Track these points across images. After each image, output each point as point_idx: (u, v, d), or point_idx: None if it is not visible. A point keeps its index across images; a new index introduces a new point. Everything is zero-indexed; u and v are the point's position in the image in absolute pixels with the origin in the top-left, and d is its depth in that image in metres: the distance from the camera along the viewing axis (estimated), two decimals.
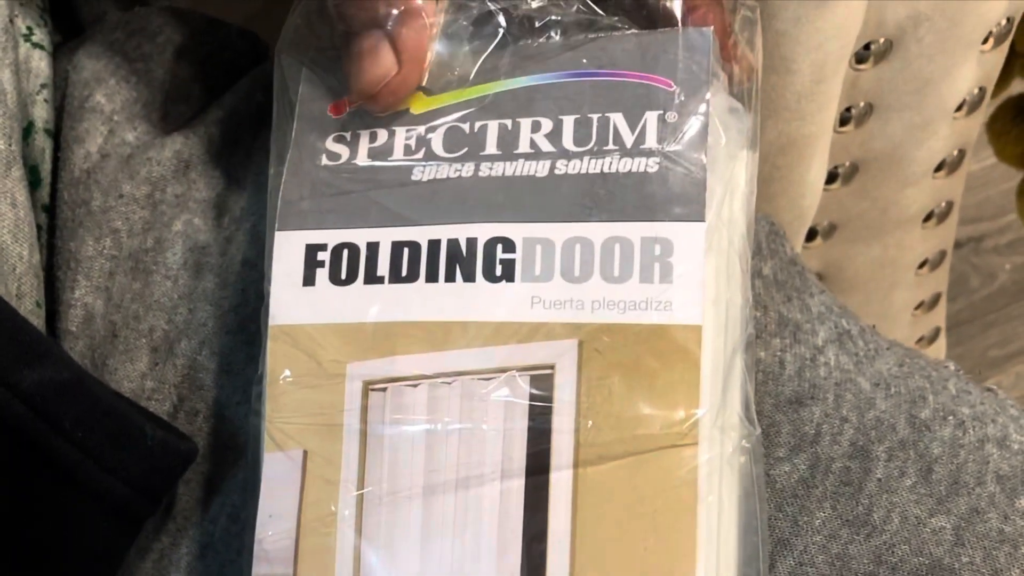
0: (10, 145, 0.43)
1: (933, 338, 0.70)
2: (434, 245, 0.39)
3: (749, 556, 0.38)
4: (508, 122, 0.40)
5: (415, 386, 0.38)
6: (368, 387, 0.39)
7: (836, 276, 0.61)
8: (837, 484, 0.41)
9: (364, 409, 0.38)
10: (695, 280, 0.37)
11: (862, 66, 0.52)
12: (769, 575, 0.39)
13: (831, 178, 0.56)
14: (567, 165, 0.39)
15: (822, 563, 0.39)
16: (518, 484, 0.37)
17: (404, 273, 0.39)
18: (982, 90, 0.57)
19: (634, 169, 0.38)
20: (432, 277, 0.39)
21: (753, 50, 0.41)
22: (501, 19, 0.40)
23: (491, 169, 0.39)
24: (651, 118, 0.39)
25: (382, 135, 0.40)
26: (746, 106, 0.41)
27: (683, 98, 0.39)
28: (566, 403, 0.37)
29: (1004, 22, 0.54)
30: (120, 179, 0.45)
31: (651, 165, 0.38)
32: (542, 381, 0.38)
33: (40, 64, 0.46)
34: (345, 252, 0.39)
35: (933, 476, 0.41)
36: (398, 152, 0.40)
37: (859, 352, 0.43)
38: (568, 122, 0.39)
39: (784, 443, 0.41)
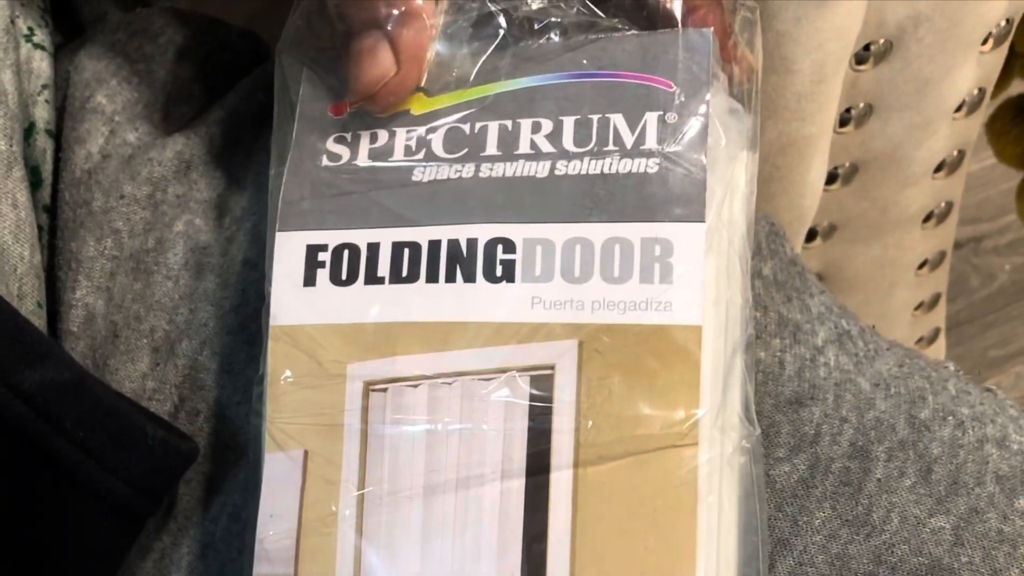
0: (11, 146, 0.43)
1: (933, 338, 0.70)
2: (434, 246, 0.39)
3: (749, 556, 0.38)
4: (508, 123, 0.40)
5: (416, 386, 0.38)
6: (369, 387, 0.39)
7: (836, 276, 0.61)
8: (837, 484, 0.41)
9: (365, 409, 0.39)
10: (695, 281, 0.37)
11: (862, 67, 0.52)
12: (769, 575, 0.39)
13: (831, 178, 0.56)
14: (567, 166, 0.39)
15: (822, 563, 0.39)
16: (518, 484, 0.37)
17: (404, 273, 0.39)
18: (982, 91, 0.57)
19: (634, 170, 0.38)
20: (432, 278, 0.39)
21: (753, 51, 0.41)
22: (501, 20, 0.40)
23: (491, 170, 0.39)
24: (651, 119, 0.39)
25: (383, 136, 0.40)
26: (746, 107, 0.41)
27: (683, 99, 0.39)
28: (566, 403, 0.37)
29: (1004, 23, 0.54)
30: (121, 180, 0.45)
31: (651, 166, 0.38)
32: (542, 381, 0.38)
33: (41, 65, 0.46)
34: (346, 252, 0.40)
35: (933, 476, 0.41)
36: (399, 153, 0.40)
37: (859, 352, 0.43)
38: (568, 123, 0.39)
39: (784, 443, 0.41)
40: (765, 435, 0.41)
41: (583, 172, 0.39)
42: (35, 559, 0.39)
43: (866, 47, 0.51)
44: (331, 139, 0.41)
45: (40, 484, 0.38)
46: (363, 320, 0.39)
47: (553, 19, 0.40)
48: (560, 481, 0.37)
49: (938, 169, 0.58)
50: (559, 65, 0.40)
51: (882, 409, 0.42)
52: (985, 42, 0.54)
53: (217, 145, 0.47)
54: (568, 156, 0.39)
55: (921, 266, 0.63)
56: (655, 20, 0.40)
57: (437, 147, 0.40)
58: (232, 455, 0.43)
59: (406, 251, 0.39)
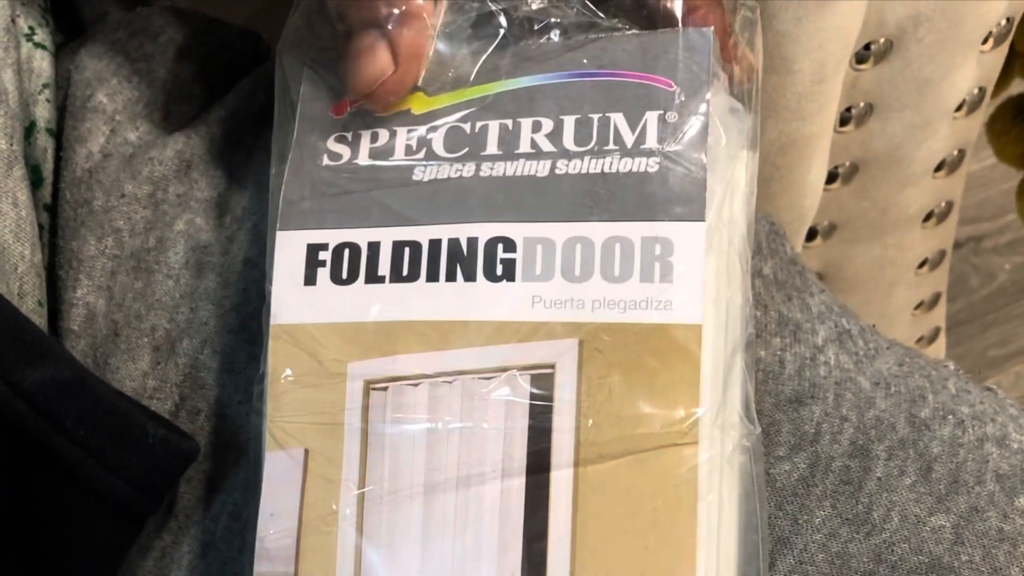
0: (11, 145, 0.43)
1: (933, 338, 0.70)
2: (435, 245, 0.39)
3: (749, 555, 0.38)
4: (509, 122, 0.40)
5: (416, 385, 0.38)
6: (369, 386, 0.39)
7: (836, 276, 0.61)
8: (837, 483, 0.41)
9: (365, 408, 0.39)
10: (695, 280, 0.37)
11: (862, 66, 0.52)
12: (769, 573, 0.39)
13: (831, 178, 0.56)
14: (568, 165, 0.39)
15: (822, 561, 0.39)
16: (519, 483, 0.37)
17: (405, 273, 0.39)
18: (982, 90, 0.57)
19: (634, 169, 0.38)
20: (433, 277, 0.39)
21: (753, 50, 0.41)
22: (502, 20, 0.40)
23: (492, 169, 0.39)
24: (651, 118, 0.39)
25: (383, 135, 0.41)
26: (746, 106, 0.41)
27: (683, 98, 0.39)
28: (566, 402, 0.37)
29: (1004, 22, 0.54)
30: (122, 179, 0.45)
31: (651, 165, 0.38)
32: (543, 380, 0.38)
33: (42, 64, 0.46)
34: (346, 252, 0.40)
35: (933, 475, 0.41)
36: (399, 152, 0.40)
37: (859, 351, 0.43)
38: (569, 122, 0.39)
39: (784, 442, 0.41)
40: (765, 434, 0.41)
41: (583, 171, 0.39)
42: (35, 558, 0.39)
43: (866, 47, 0.51)
44: (332, 138, 0.41)
45: (40, 483, 0.38)
46: (364, 319, 0.39)
47: (553, 19, 0.40)
48: (560, 480, 0.37)
49: (938, 168, 0.58)
50: (559, 64, 0.40)
51: (882, 408, 0.42)
52: (985, 41, 0.54)
53: (218, 144, 0.47)
54: (568, 155, 0.39)
55: (921, 265, 0.63)
56: (655, 20, 0.40)
57: (438, 146, 0.40)
58: (233, 454, 0.43)
59: (407, 250, 0.39)
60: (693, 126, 0.38)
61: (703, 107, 0.38)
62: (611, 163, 0.39)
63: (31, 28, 0.47)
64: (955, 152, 0.58)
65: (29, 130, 0.45)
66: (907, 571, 0.39)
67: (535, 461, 0.37)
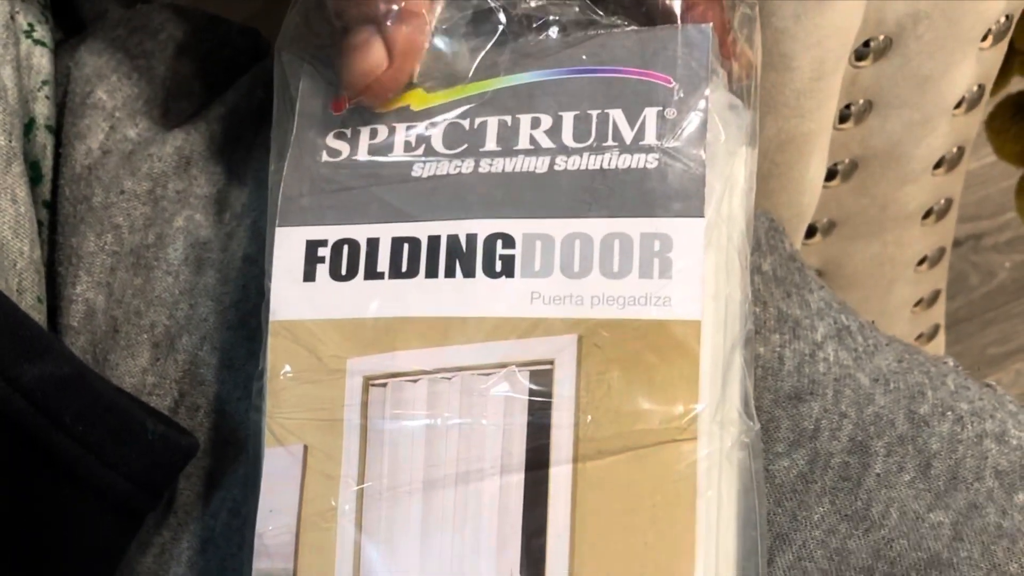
0: (10, 141, 0.43)
1: (932, 335, 0.70)
2: (434, 241, 0.39)
3: (748, 551, 0.38)
4: (508, 118, 0.40)
5: (415, 381, 0.38)
6: (368, 382, 0.39)
7: (835, 273, 0.61)
8: (836, 479, 0.41)
9: (364, 404, 0.39)
10: (694, 276, 0.37)
11: (861, 63, 0.52)
12: (768, 569, 0.39)
13: (830, 175, 0.56)
14: (567, 161, 0.39)
15: (821, 558, 0.40)
16: (518, 479, 0.37)
17: (404, 269, 0.39)
18: (981, 87, 0.57)
19: (633, 165, 0.38)
20: (432, 273, 0.39)
21: (752, 47, 0.41)
22: (501, 16, 0.40)
23: (491, 165, 0.39)
24: (650, 114, 0.39)
25: (382, 131, 0.41)
26: (745, 103, 0.41)
27: (682, 94, 0.39)
28: (565, 398, 0.37)
29: (1003, 19, 0.54)
30: (121, 175, 0.45)
31: (650, 161, 0.38)
32: (541, 376, 0.38)
33: (41, 60, 0.46)
34: (345, 248, 0.40)
35: (932, 471, 0.41)
36: (398, 148, 0.40)
37: (858, 348, 0.43)
38: (568, 118, 0.39)
39: (783, 438, 0.41)
40: (764, 430, 0.41)
41: (582, 167, 0.39)
42: (34, 554, 0.39)
43: (866, 44, 0.51)
44: (331, 135, 0.41)
45: (39, 479, 0.38)
46: (363, 315, 0.39)
47: (552, 15, 0.40)
48: (559, 476, 0.37)
49: (937, 166, 0.58)
50: (558, 61, 0.40)
51: (881, 404, 0.42)
52: (984, 39, 0.54)
53: (217, 141, 0.47)
54: (567, 151, 0.39)
55: (920, 262, 0.63)
56: (654, 16, 0.40)
57: (437, 143, 0.40)
58: (232, 450, 0.43)
59: (405, 246, 0.39)
60: (692, 122, 0.38)
61: (702, 103, 0.38)
62: (610, 159, 0.39)
63: (30, 25, 0.47)
64: (954, 149, 0.58)
65: (28, 127, 0.45)
66: (906, 567, 0.39)
67: (534, 457, 0.37)
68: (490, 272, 0.38)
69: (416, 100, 0.41)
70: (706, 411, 0.37)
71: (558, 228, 0.38)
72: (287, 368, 0.39)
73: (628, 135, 0.39)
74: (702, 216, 0.38)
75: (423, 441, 0.38)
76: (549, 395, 0.37)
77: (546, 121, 0.39)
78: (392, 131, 0.40)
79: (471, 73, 0.40)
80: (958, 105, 0.56)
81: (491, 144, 0.40)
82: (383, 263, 0.39)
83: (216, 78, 0.49)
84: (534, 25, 0.40)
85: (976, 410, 0.42)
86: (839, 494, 0.40)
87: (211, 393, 0.43)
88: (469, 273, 0.38)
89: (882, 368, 0.43)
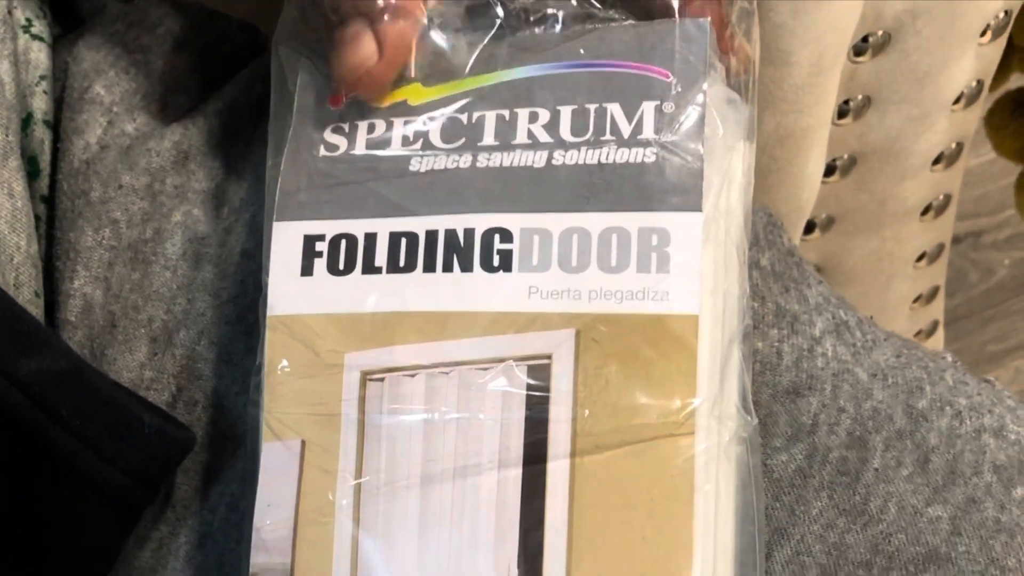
0: (7, 136, 0.43)
1: (931, 331, 0.70)
2: (432, 235, 0.39)
3: (746, 545, 0.38)
4: (506, 112, 0.40)
5: (413, 376, 0.38)
6: (366, 377, 0.39)
7: (834, 269, 0.61)
8: (834, 474, 0.41)
9: (362, 399, 0.39)
10: (692, 270, 0.37)
11: (860, 59, 0.52)
12: (766, 564, 0.39)
13: (829, 171, 0.56)
14: (564, 155, 0.39)
15: (819, 552, 0.40)
16: (515, 473, 0.37)
17: (402, 263, 0.39)
18: (980, 83, 0.57)
19: (631, 159, 0.38)
20: (430, 267, 0.39)
21: (750, 41, 0.41)
22: (498, 10, 0.40)
23: (489, 159, 0.39)
24: (648, 108, 0.39)
25: (380, 126, 0.40)
26: (743, 97, 0.41)
27: (680, 89, 0.39)
28: (563, 392, 0.37)
29: (1002, 15, 0.54)
30: (119, 170, 0.45)
31: (648, 155, 0.38)
32: (539, 371, 0.38)
33: (39, 55, 0.46)
34: (343, 242, 0.40)
35: (930, 466, 0.41)
36: (396, 143, 0.40)
37: (856, 343, 0.43)
38: (566, 112, 0.39)
39: (781, 433, 0.41)
40: (763, 425, 0.41)
41: (580, 162, 0.39)
42: (31, 549, 0.39)
43: (864, 39, 0.51)
44: (329, 129, 0.41)
45: (36, 473, 0.38)
46: (360, 310, 0.39)
47: (550, 9, 0.40)
48: (557, 470, 0.37)
49: (936, 161, 0.58)
50: (556, 55, 0.40)
51: (880, 399, 0.42)
52: (983, 34, 0.54)
53: (215, 136, 0.47)
54: (565, 146, 0.39)
55: (919, 259, 0.63)
56: (652, 10, 0.40)
57: (434, 137, 0.40)
58: (230, 445, 0.43)
59: (403, 241, 0.39)
60: (690, 116, 0.38)
61: (700, 97, 0.38)
62: (608, 154, 0.38)
63: (28, 20, 0.47)
64: (953, 145, 0.58)
65: (26, 122, 0.45)
66: (904, 562, 0.39)
67: (532, 451, 0.37)
68: (488, 267, 0.38)
69: (414, 94, 0.41)
70: (704, 405, 0.37)
71: (556, 222, 0.38)
72: (284, 363, 0.39)
73: (626, 129, 0.39)
74: (700, 210, 0.37)
75: (421, 436, 0.38)
76: (547, 390, 0.37)
77: (544, 115, 0.39)
78: (390, 125, 0.40)
79: (469, 67, 0.40)
80: (957, 101, 0.56)
81: (489, 138, 0.40)
82: (381, 257, 0.39)
83: (214, 73, 0.49)
84: (532, 19, 0.40)
85: (974, 405, 0.42)
86: (837, 489, 0.40)
87: (209, 388, 0.43)
88: (467, 267, 0.38)
89: (880, 363, 0.43)
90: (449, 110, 0.40)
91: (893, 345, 0.44)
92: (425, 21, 0.39)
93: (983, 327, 1.15)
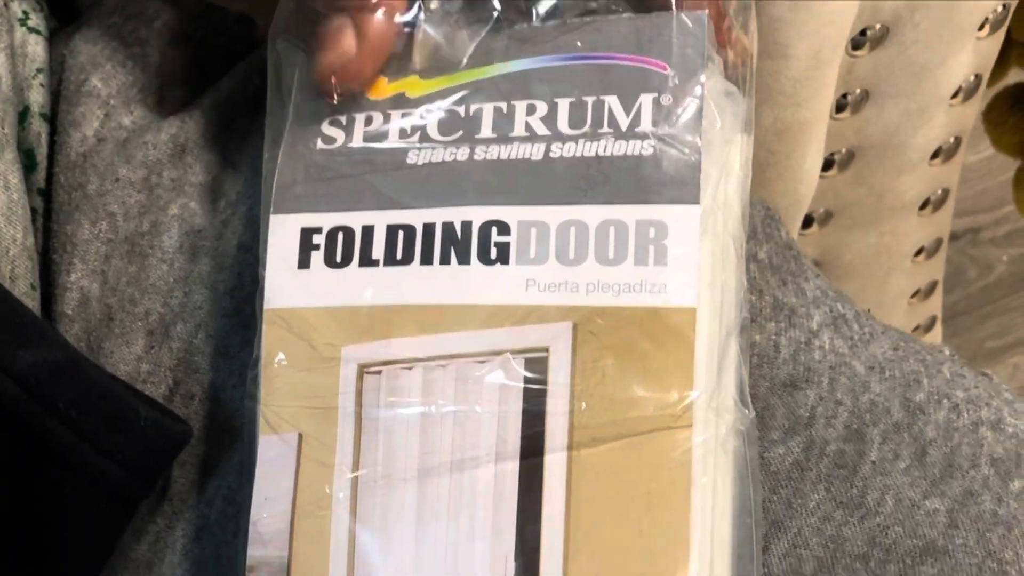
0: (3, 129, 0.43)
1: (929, 326, 0.70)
2: (429, 228, 0.39)
3: (743, 538, 0.38)
4: (503, 105, 0.40)
5: (410, 369, 0.38)
6: (363, 370, 0.39)
7: (832, 263, 0.61)
8: (831, 467, 0.41)
9: (359, 392, 0.39)
10: (690, 263, 0.37)
11: (858, 52, 0.52)
12: (763, 557, 0.39)
13: (827, 165, 0.56)
14: (562, 148, 0.39)
15: (816, 545, 0.40)
16: (512, 467, 0.37)
17: (399, 256, 0.39)
18: (978, 77, 0.57)
19: (629, 152, 0.38)
20: (427, 260, 0.39)
21: (747, 34, 0.41)
22: (495, 3, 0.40)
23: (486, 152, 0.39)
24: (646, 101, 0.39)
25: (377, 119, 0.40)
26: (741, 90, 0.41)
27: (678, 81, 0.38)
28: (560, 385, 0.37)
29: (1000, 8, 0.54)
30: (116, 163, 0.45)
31: (646, 148, 0.38)
32: (536, 364, 0.38)
33: (36, 49, 0.46)
34: (340, 235, 0.39)
35: (927, 459, 0.41)
36: (393, 136, 0.40)
37: (854, 336, 0.43)
38: (563, 105, 0.39)
39: (778, 426, 0.41)
40: (760, 418, 0.41)
41: (578, 154, 0.39)
42: (28, 541, 0.39)
43: (862, 32, 0.51)
44: (326, 122, 0.41)
45: (33, 466, 0.38)
46: (357, 303, 0.39)
47: (547, 1, 0.40)
48: (554, 463, 0.37)
49: (934, 156, 0.58)
50: (554, 47, 0.40)
51: (877, 392, 0.42)
52: (981, 28, 0.54)
53: (212, 129, 0.47)
54: (563, 138, 0.39)
55: (917, 253, 0.63)
56: (649, 3, 0.40)
57: (432, 130, 0.40)
58: (227, 438, 0.43)
59: (401, 234, 0.39)
60: (688, 109, 0.38)
61: (698, 90, 0.38)
62: (605, 146, 0.38)
63: (25, 13, 0.47)
64: (951, 139, 0.58)
65: (23, 115, 0.45)
66: (901, 554, 0.39)
67: (529, 445, 0.37)
68: (485, 259, 0.38)
69: (412, 87, 0.40)
70: (701, 398, 0.37)
71: (553, 215, 0.38)
72: (281, 356, 0.39)
73: (624, 122, 0.39)
74: (698, 203, 0.37)
75: (418, 429, 0.38)
76: (544, 383, 0.37)
77: (541, 108, 0.39)
78: (387, 118, 0.40)
79: (467, 60, 0.40)
80: (955, 95, 0.56)
81: (486, 131, 0.39)
82: (378, 250, 0.39)
83: (211, 66, 0.49)
84: (529, 11, 0.40)
85: (972, 398, 0.42)
86: (834, 482, 0.40)
87: (206, 381, 0.43)
88: (464, 260, 0.38)
89: (878, 356, 0.43)
90: (446, 103, 0.40)
91: (890, 338, 0.44)
92: (411, 15, 0.39)
93: (981, 323, 1.15)
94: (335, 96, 0.40)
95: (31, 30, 0.46)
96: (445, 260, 0.39)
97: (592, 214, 0.38)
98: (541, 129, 0.39)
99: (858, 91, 0.54)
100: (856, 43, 0.52)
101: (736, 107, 0.40)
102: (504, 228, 0.38)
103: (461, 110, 0.40)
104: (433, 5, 0.40)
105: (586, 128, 0.39)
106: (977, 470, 0.41)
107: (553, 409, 0.37)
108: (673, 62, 0.39)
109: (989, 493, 0.40)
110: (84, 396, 0.38)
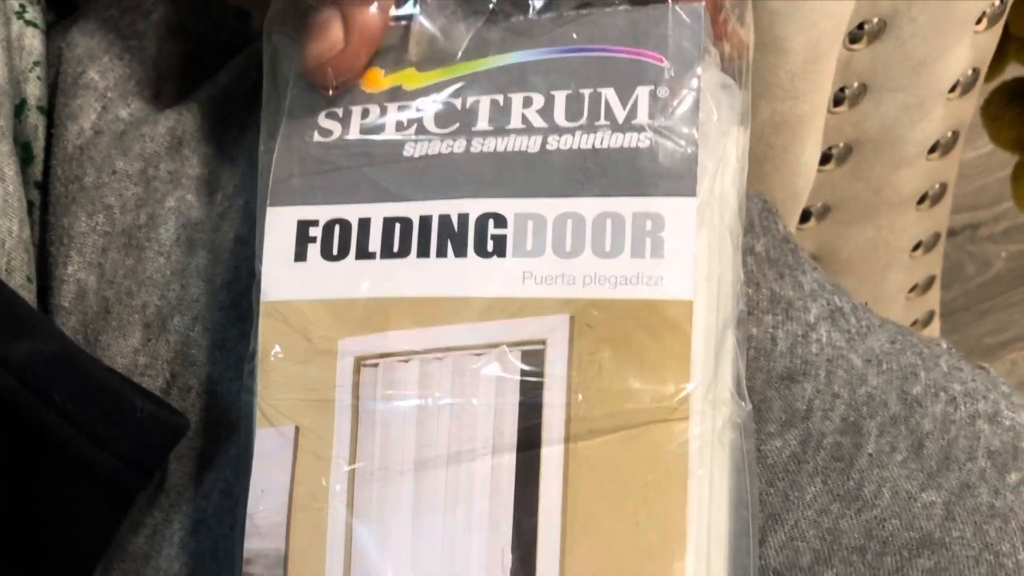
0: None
1: (927, 322, 0.70)
2: (425, 221, 0.39)
3: (740, 530, 0.38)
4: (500, 97, 0.40)
5: (407, 362, 0.38)
6: (360, 363, 0.39)
7: (830, 258, 0.61)
8: (828, 459, 0.41)
9: (356, 385, 0.39)
10: (686, 255, 0.37)
11: (856, 46, 0.52)
12: (760, 549, 0.39)
13: (825, 159, 0.56)
14: (559, 140, 0.39)
15: (813, 537, 0.39)
16: (509, 459, 0.37)
17: (396, 249, 0.39)
18: (976, 71, 0.57)
19: (625, 144, 0.38)
20: (423, 253, 0.39)
21: (744, 26, 0.41)
22: None
23: (483, 144, 0.39)
24: (642, 93, 0.39)
25: (374, 111, 0.40)
26: (737, 82, 0.41)
27: (674, 73, 0.38)
28: (557, 378, 0.37)
29: (998, 2, 0.54)
30: (113, 155, 0.45)
31: (642, 140, 0.38)
32: (533, 356, 0.38)
33: (33, 42, 0.46)
34: (337, 228, 0.39)
35: (924, 451, 0.41)
36: (390, 128, 0.40)
37: (851, 329, 0.43)
38: (560, 97, 0.39)
39: (775, 419, 0.41)
40: (757, 410, 0.41)
41: (574, 147, 0.39)
42: (25, 534, 0.39)
43: (860, 26, 0.51)
44: (322, 115, 0.41)
45: (29, 458, 0.38)
46: (354, 295, 0.39)
47: None
48: (551, 456, 0.37)
49: (932, 150, 0.58)
50: (550, 40, 0.40)
51: (874, 385, 0.42)
52: (979, 21, 0.54)
53: (209, 122, 0.47)
54: (559, 131, 0.39)
55: (915, 248, 0.63)
56: None
57: (428, 122, 0.40)
58: (224, 431, 0.43)
59: (397, 226, 0.39)
60: (684, 101, 0.38)
61: (694, 82, 0.38)
62: (602, 138, 0.38)
63: (21, 6, 0.47)
64: (949, 134, 0.58)
65: (20, 108, 0.45)
66: (898, 547, 0.39)
67: (526, 437, 0.37)
68: (482, 252, 0.38)
69: (408, 79, 0.40)
70: (698, 390, 0.37)
71: (550, 207, 0.38)
72: (278, 349, 0.39)
73: (620, 114, 0.39)
74: (694, 195, 0.37)
75: (414, 421, 0.38)
76: (541, 375, 0.37)
77: (538, 100, 0.39)
78: (384, 111, 0.40)
79: (463, 52, 0.40)
80: (953, 89, 0.56)
81: (483, 123, 0.39)
82: (374, 243, 0.39)
83: (209, 59, 0.49)
84: (525, 4, 0.40)
85: (969, 391, 0.42)
86: (831, 474, 0.40)
87: (203, 374, 0.43)
88: (461, 253, 0.38)
89: (875, 349, 0.43)
90: (443, 95, 0.40)
91: (888, 331, 0.44)
92: (408, 8, 0.40)
93: (980, 320, 1.15)
94: (329, 88, 0.40)
95: (28, 23, 0.46)
96: (442, 253, 0.39)
97: (589, 207, 0.38)
98: (538, 121, 0.39)
99: (856, 85, 0.54)
100: (854, 37, 0.52)
101: (733, 100, 0.40)
102: (501, 220, 0.38)
103: (457, 102, 0.40)
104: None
105: (583, 120, 0.39)
106: (974, 463, 0.41)
107: (550, 401, 0.37)
108: (669, 54, 0.39)
109: (986, 486, 0.40)
110: (80, 388, 0.38)
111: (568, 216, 0.38)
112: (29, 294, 0.43)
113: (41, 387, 0.37)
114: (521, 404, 0.37)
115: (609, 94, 0.39)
